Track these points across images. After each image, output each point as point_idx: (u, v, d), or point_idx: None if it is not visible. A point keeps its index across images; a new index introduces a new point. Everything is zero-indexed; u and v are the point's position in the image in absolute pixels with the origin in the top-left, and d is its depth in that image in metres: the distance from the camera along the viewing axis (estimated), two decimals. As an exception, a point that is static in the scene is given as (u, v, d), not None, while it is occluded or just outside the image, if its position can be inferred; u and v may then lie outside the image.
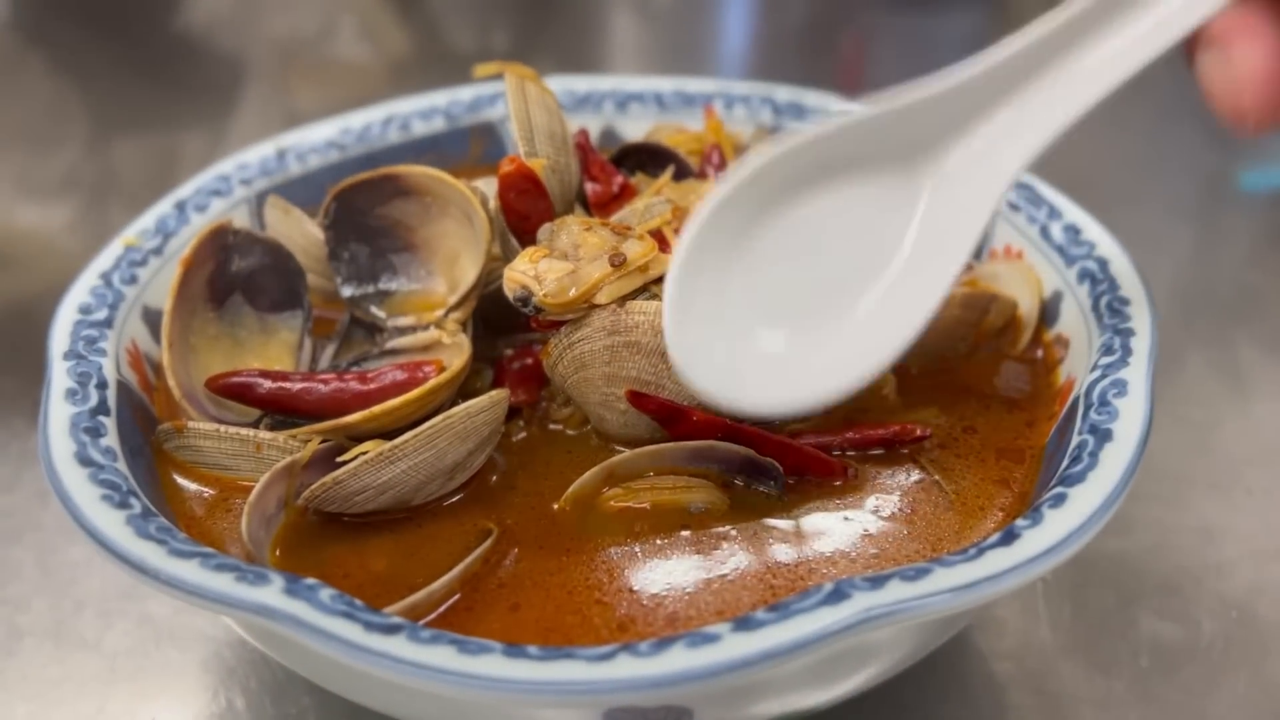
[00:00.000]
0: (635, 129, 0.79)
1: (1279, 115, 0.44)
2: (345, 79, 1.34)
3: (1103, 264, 0.63)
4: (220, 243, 0.60)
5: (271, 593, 0.45)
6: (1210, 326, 0.90)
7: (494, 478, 0.57)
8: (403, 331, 0.61)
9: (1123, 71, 0.47)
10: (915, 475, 0.57)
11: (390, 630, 0.44)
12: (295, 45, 1.40)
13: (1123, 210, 0.73)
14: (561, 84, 0.81)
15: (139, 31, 1.40)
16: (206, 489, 0.56)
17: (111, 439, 0.54)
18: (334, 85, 1.32)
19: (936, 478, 0.57)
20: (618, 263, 0.55)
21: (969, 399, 0.62)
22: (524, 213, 0.59)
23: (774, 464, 0.55)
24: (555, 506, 0.55)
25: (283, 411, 0.57)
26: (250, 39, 1.41)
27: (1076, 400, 0.55)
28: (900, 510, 0.55)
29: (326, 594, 0.45)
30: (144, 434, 0.57)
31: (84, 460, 0.51)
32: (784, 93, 0.79)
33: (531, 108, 0.61)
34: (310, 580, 0.46)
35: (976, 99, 0.48)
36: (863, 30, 1.46)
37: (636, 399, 0.56)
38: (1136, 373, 0.54)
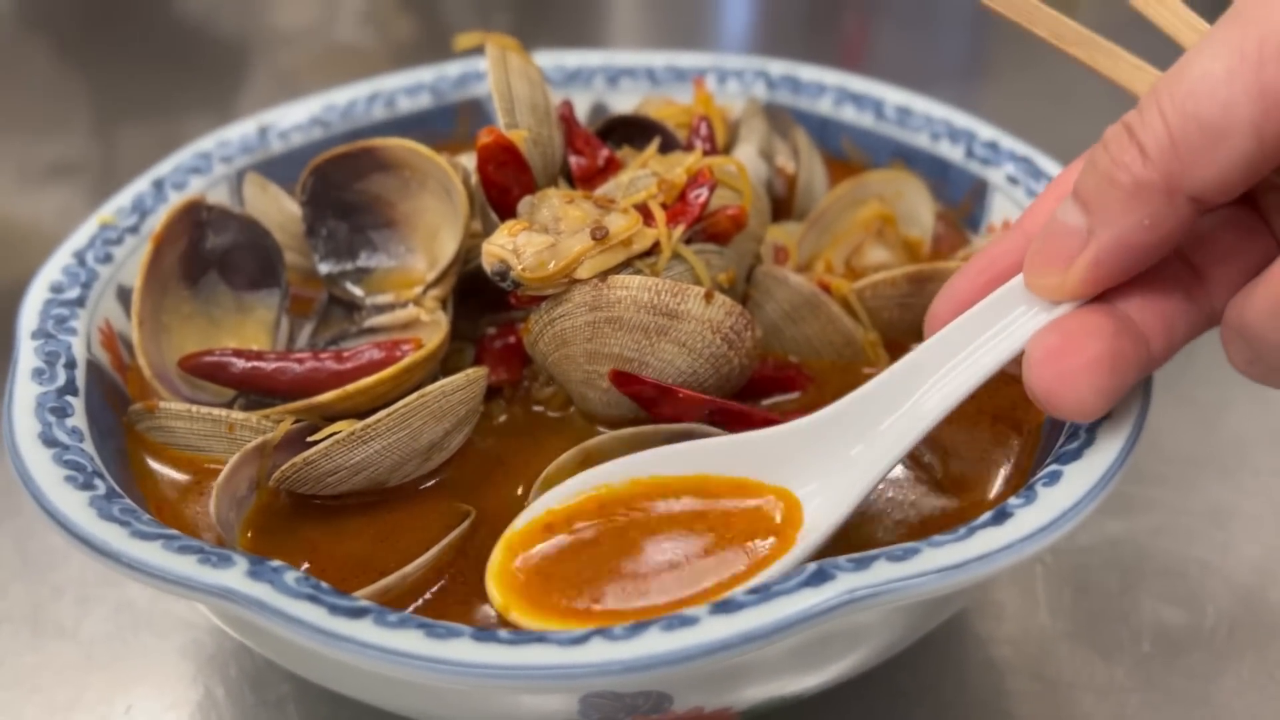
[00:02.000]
0: (626, 104, 0.77)
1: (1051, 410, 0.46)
2: (348, 64, 1.32)
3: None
4: (193, 219, 0.59)
5: (234, 575, 0.44)
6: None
7: (473, 459, 0.55)
8: (381, 309, 0.59)
9: (968, 386, 0.48)
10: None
11: (356, 614, 0.42)
12: (298, 31, 1.39)
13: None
14: (552, 59, 0.79)
15: (142, 17, 1.39)
16: (180, 471, 0.55)
17: (79, 419, 0.52)
18: (337, 70, 1.30)
19: (927, 456, 0.55)
20: (599, 236, 0.53)
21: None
22: (504, 186, 0.57)
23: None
24: (534, 489, 0.53)
25: (257, 391, 0.56)
26: (253, 24, 1.40)
27: (1074, 376, 0.54)
28: (889, 489, 0.53)
29: (291, 576, 0.44)
30: (116, 414, 0.56)
31: (48, 441, 0.50)
32: (778, 67, 0.77)
33: (513, 78, 0.59)
34: (275, 562, 0.44)
35: (830, 435, 0.50)
36: (865, 8, 1.44)
37: (620, 380, 0.54)
38: (1136, 347, 0.52)
